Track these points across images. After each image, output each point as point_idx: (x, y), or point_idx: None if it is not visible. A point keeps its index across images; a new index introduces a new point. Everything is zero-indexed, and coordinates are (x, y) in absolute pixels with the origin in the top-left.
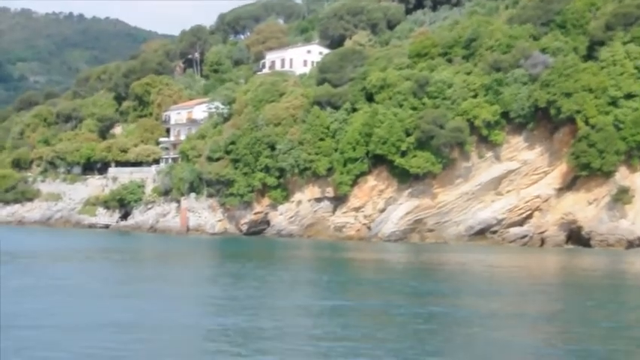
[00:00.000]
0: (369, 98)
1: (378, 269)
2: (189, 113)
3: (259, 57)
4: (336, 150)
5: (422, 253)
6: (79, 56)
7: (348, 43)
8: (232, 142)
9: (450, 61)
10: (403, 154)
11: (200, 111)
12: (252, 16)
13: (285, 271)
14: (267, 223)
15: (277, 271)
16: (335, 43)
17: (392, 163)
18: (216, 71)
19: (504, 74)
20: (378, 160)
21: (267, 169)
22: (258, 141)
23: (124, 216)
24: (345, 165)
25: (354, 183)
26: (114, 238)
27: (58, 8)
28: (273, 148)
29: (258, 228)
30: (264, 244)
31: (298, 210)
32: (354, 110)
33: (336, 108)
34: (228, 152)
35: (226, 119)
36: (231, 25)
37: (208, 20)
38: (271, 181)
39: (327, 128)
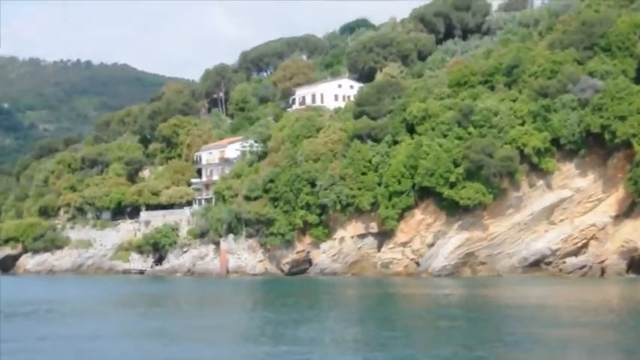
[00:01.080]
0: (410, 130)
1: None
2: (222, 152)
3: (287, 93)
4: (379, 184)
5: (478, 288)
6: (87, 103)
7: (379, 76)
8: (271, 180)
9: (492, 88)
10: (452, 185)
11: (233, 150)
12: (275, 53)
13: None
14: (309, 262)
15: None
16: (364, 76)
17: (440, 195)
18: (242, 109)
19: (552, 100)
20: (424, 193)
21: (308, 207)
22: (298, 177)
23: (159, 260)
24: (390, 199)
25: (400, 217)
26: (152, 284)
27: (66, 56)
28: (313, 184)
29: (300, 267)
30: (310, 284)
31: (341, 247)
32: (396, 143)
33: (377, 141)
34: (266, 191)
35: (261, 157)
36: (254, 62)
37: (216, 61)
38: (312, 218)
39: (369, 162)
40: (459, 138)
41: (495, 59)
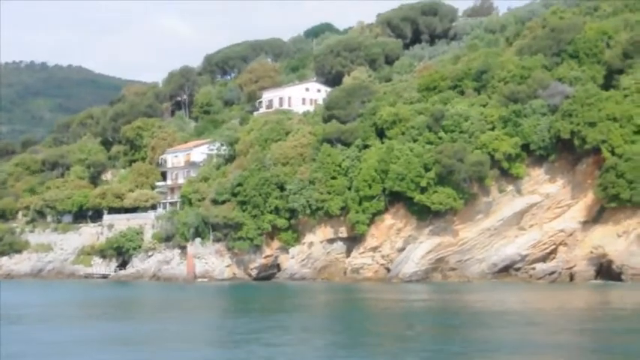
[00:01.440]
0: (380, 134)
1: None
2: (188, 156)
3: (253, 96)
4: (349, 188)
5: (449, 293)
6: (42, 105)
7: (346, 80)
8: (239, 184)
9: (462, 93)
10: (423, 190)
11: (199, 153)
12: (240, 56)
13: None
14: (278, 267)
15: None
16: (332, 80)
17: (410, 200)
18: (206, 112)
19: (522, 105)
20: (395, 198)
21: (276, 211)
22: (267, 181)
23: (122, 265)
24: (360, 203)
25: (371, 222)
26: (115, 288)
27: (19, 57)
28: (282, 188)
29: (269, 272)
30: (278, 289)
31: (310, 252)
32: (366, 147)
33: (347, 145)
34: (234, 194)
35: (228, 160)
36: (219, 65)
37: (174, 65)
38: (281, 222)
39: (339, 166)
40: (430, 143)
41: (464, 64)
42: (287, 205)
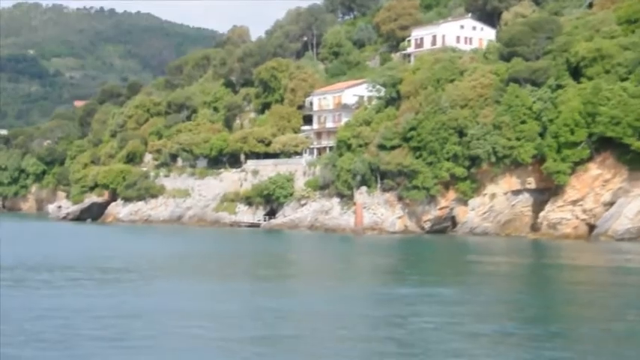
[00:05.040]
0: (574, 73)
1: None
2: (338, 97)
3: (392, 36)
4: (540, 134)
5: None
6: (112, 51)
7: (506, 16)
8: (412, 128)
9: None
10: None
11: (350, 95)
12: None
13: None
14: (452, 219)
15: None
16: (484, 17)
17: (623, 148)
18: (335, 54)
19: None
20: (601, 145)
21: (455, 158)
22: (444, 125)
23: (270, 213)
24: (559, 151)
25: (572, 172)
26: (287, 240)
27: (89, 3)
28: (461, 133)
29: (442, 225)
30: (476, 246)
31: (492, 204)
32: (559, 87)
33: (536, 85)
34: (407, 139)
35: (389, 103)
36: (345, 4)
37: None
38: (460, 171)
39: (530, 109)
40: None
41: None
42: (467, 151)
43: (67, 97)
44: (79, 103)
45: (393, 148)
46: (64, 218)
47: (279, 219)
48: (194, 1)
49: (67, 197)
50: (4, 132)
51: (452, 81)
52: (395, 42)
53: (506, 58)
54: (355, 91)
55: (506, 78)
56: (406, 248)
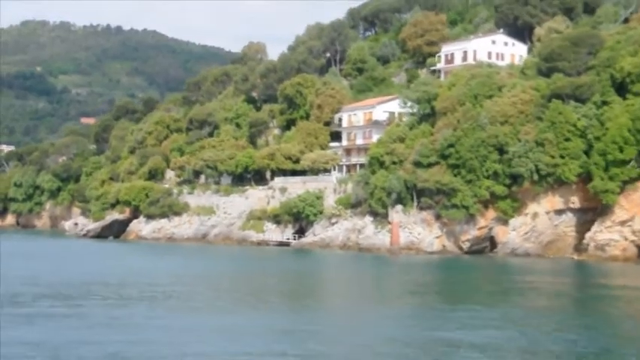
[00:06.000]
0: (619, 88)
1: None
2: (369, 114)
3: (418, 52)
4: (585, 152)
5: None
6: (119, 68)
7: (539, 31)
8: (450, 145)
9: None
10: None
11: (381, 111)
12: (391, 9)
13: None
14: (491, 239)
15: None
16: (514, 32)
17: None
18: (359, 70)
19: None
20: None
21: (495, 176)
22: (484, 142)
23: (299, 231)
24: (606, 169)
25: (621, 191)
26: (337, 261)
27: (96, 20)
28: (501, 150)
29: (481, 245)
30: (531, 269)
31: (534, 224)
32: (604, 103)
33: (580, 101)
34: (445, 157)
35: (423, 119)
36: (367, 19)
37: (243, 32)
38: (500, 189)
39: (574, 126)
40: None
41: None
42: (508, 169)
43: (73, 113)
44: (85, 120)
45: (429, 165)
46: (85, 235)
47: (310, 237)
48: (200, 19)
49: (83, 214)
50: (11, 148)
51: (490, 97)
52: (421, 58)
53: (546, 73)
54: (386, 107)
55: (548, 94)
56: (457, 270)
